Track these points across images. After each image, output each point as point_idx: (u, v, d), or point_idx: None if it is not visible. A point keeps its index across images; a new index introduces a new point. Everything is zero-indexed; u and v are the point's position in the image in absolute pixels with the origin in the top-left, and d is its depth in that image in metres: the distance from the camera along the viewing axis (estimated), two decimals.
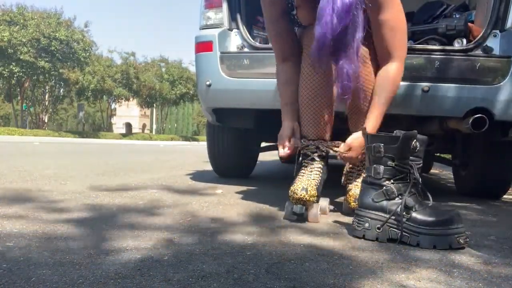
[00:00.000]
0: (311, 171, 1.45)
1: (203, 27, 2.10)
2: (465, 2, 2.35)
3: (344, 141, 1.53)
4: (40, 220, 1.22)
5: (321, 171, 1.47)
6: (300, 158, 1.52)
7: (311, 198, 1.36)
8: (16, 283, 0.72)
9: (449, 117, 1.86)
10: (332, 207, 1.57)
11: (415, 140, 1.20)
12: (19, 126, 26.90)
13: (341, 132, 1.61)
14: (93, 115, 53.24)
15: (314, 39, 1.27)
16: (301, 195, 1.34)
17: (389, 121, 1.64)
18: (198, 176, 2.88)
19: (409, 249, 1.09)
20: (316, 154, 1.48)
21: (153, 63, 37.17)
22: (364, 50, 1.45)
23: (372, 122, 1.43)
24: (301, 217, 1.39)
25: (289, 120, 1.56)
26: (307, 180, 1.40)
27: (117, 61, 35.83)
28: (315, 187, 1.39)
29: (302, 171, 1.47)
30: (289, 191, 1.38)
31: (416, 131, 1.21)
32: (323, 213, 1.47)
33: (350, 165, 1.59)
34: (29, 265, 0.81)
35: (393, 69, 1.45)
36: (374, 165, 1.21)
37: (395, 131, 1.28)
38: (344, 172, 1.60)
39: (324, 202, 1.49)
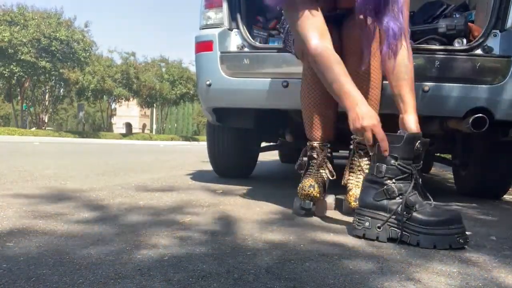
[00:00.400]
0: (318, 170, 1.55)
1: (203, 27, 2.10)
2: (465, 2, 2.34)
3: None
4: (40, 220, 1.22)
5: (328, 169, 1.55)
6: (305, 158, 1.59)
7: (318, 194, 1.45)
8: (16, 283, 0.72)
9: (449, 117, 1.86)
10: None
11: (418, 141, 1.20)
12: (19, 126, 26.89)
13: (340, 132, 1.62)
14: (93, 115, 53.24)
15: None
16: (309, 191, 1.44)
17: (389, 121, 1.63)
18: (198, 176, 2.88)
19: (410, 249, 1.09)
20: (322, 156, 1.55)
21: (153, 63, 37.15)
22: (375, 43, 1.46)
23: (414, 118, 1.35)
24: (309, 212, 1.49)
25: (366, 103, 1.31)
26: (315, 178, 1.50)
27: (117, 61, 35.87)
28: (321, 183, 1.49)
29: (310, 170, 1.56)
30: (298, 188, 1.48)
31: (420, 132, 1.21)
32: (329, 209, 1.57)
33: (351, 165, 1.59)
34: (29, 265, 0.81)
35: (404, 54, 1.38)
36: (377, 164, 1.21)
37: (399, 131, 1.28)
38: (344, 172, 1.61)
39: (330, 198, 1.59)
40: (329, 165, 1.57)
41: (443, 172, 5.10)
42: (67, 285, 0.72)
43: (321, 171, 1.55)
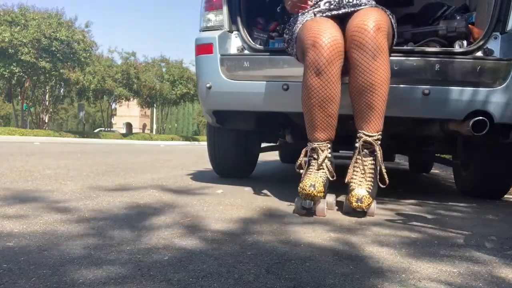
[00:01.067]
0: (318, 170, 1.57)
1: (204, 29, 2.10)
2: (466, 4, 2.35)
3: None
4: (41, 220, 1.22)
5: (328, 169, 1.58)
6: (305, 158, 1.61)
7: (318, 194, 1.47)
8: (16, 283, 0.72)
9: (450, 119, 1.86)
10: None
11: None
12: (19, 126, 26.87)
13: (340, 133, 1.63)
14: (93, 115, 53.23)
15: None
16: (309, 191, 1.46)
17: (390, 124, 1.64)
18: (198, 176, 2.88)
19: (410, 249, 1.09)
20: (322, 157, 1.57)
21: (154, 63, 37.10)
22: (382, 39, 1.49)
23: None
24: (310, 211, 1.51)
25: None
26: (315, 178, 1.52)
27: (118, 61, 35.72)
28: (322, 183, 1.50)
29: (310, 169, 1.58)
30: (299, 188, 1.50)
31: None
32: (329, 208, 1.59)
33: (355, 164, 1.59)
34: (29, 265, 0.81)
35: None
36: None
37: None
38: (348, 169, 1.60)
39: (331, 198, 1.61)
40: (329, 166, 1.58)
41: (443, 172, 5.10)
42: (67, 285, 0.72)
43: (321, 171, 1.56)
